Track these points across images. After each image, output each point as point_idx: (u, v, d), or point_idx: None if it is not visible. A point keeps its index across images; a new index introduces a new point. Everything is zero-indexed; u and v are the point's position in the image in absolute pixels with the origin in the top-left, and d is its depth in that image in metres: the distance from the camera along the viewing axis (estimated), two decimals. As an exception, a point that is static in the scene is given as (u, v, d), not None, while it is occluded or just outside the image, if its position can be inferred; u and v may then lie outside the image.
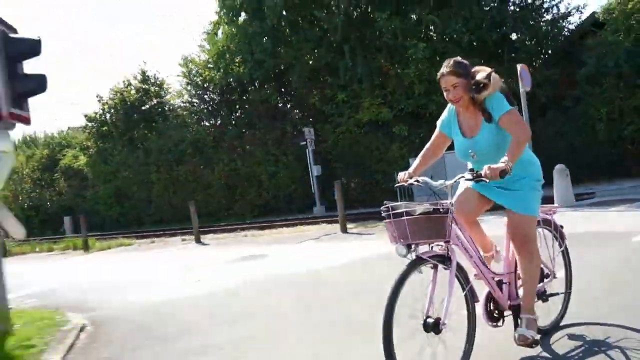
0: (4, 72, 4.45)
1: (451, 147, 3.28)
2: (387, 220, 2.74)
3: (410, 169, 3.11)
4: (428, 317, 2.64)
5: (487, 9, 15.79)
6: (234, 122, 20.10)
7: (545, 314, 3.27)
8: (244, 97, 19.27)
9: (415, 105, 15.65)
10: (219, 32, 19.13)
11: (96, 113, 22.84)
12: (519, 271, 3.10)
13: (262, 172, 18.32)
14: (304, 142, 16.96)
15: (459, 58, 3.01)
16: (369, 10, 16.47)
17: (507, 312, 3.09)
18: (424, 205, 2.70)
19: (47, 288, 8.16)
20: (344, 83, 16.51)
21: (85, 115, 23.07)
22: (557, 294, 3.38)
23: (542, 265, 3.21)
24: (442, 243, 2.74)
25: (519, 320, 3.01)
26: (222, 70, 18.89)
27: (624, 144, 14.29)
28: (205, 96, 20.44)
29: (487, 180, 2.69)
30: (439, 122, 3.23)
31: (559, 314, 3.38)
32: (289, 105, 19.52)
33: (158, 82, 22.42)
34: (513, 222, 3.02)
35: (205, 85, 20.02)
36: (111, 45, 73.36)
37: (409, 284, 2.60)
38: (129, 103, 21.57)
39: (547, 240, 3.38)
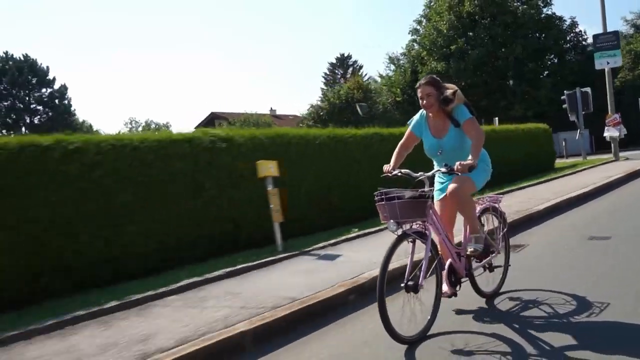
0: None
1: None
2: (379, 203, 3.34)
3: (391, 163, 3.74)
4: (409, 280, 3.23)
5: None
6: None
7: (490, 281, 4.10)
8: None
9: (541, 110, 30.81)
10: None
11: (316, 105, 36.91)
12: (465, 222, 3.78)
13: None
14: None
15: (434, 75, 3.81)
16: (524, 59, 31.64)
17: (463, 280, 3.76)
18: (411, 191, 3.29)
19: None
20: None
21: (310, 105, 37.19)
22: (500, 266, 4.14)
23: (490, 242, 3.90)
24: (420, 222, 3.36)
25: (470, 239, 3.73)
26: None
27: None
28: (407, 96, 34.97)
29: (460, 173, 3.36)
30: (410, 125, 3.88)
31: (500, 281, 4.17)
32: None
33: (364, 85, 36.95)
34: (457, 180, 3.60)
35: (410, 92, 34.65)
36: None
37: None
38: (355, 98, 35.49)
39: (494, 224, 4.12)
